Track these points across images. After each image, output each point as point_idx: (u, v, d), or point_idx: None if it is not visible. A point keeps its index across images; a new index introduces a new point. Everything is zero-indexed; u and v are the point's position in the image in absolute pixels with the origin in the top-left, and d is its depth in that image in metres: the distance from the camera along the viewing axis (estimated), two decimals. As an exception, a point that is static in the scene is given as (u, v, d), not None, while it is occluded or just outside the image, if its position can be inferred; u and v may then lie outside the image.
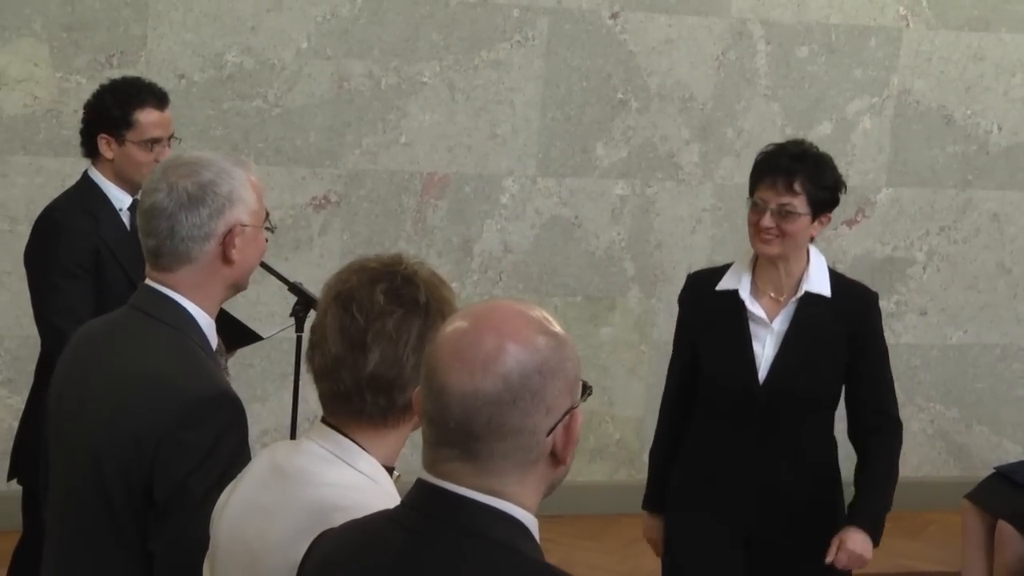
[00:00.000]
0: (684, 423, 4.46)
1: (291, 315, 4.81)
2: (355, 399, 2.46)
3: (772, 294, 4.30)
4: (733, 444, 4.30)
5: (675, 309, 6.98)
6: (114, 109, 4.74)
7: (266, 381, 6.68)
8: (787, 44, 7.16)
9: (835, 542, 4.20)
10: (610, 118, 7.01)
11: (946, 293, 7.55)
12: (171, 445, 2.76)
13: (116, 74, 5.29)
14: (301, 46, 6.59)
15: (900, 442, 4.40)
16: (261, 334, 4.89)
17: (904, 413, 7.44)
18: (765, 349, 4.27)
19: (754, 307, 4.28)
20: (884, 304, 7.43)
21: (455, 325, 2.08)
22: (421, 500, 2.09)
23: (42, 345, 4.76)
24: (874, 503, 4.31)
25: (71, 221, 4.69)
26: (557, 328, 2.08)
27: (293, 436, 5.03)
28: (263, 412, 6.60)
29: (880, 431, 4.34)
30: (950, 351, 7.60)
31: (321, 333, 2.49)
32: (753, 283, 4.32)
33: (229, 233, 2.92)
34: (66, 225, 4.69)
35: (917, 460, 7.50)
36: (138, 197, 4.80)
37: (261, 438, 6.41)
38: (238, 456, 2.81)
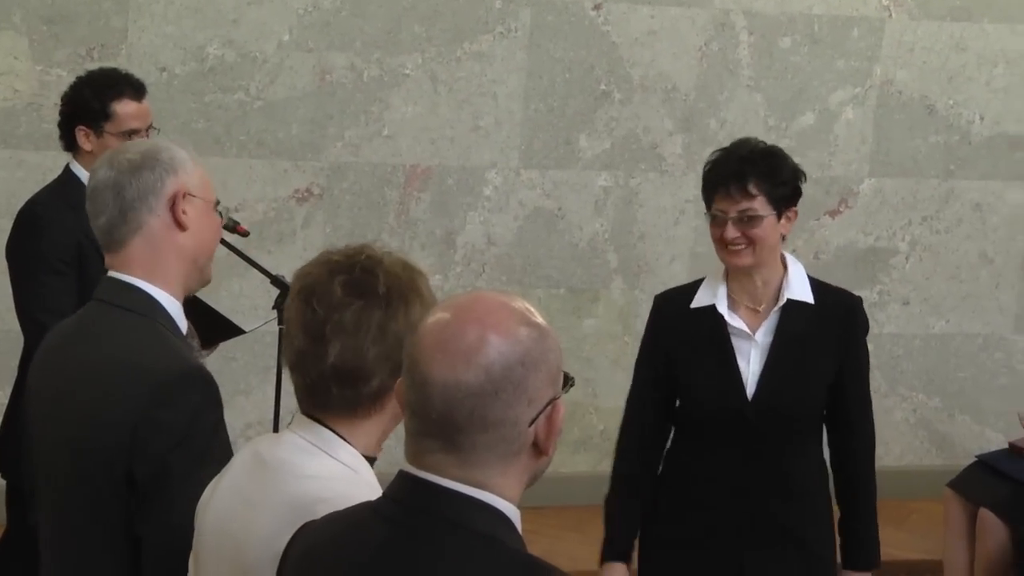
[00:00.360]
0: (652, 465, 4.17)
1: (274, 308, 4.80)
2: (321, 391, 2.47)
3: (749, 305, 4.05)
4: (719, 468, 4.03)
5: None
6: (92, 101, 4.73)
7: (249, 375, 6.67)
8: (770, 35, 7.16)
9: None
10: (593, 109, 7.01)
11: (928, 283, 7.56)
12: (147, 426, 2.75)
13: (97, 67, 5.27)
14: (283, 38, 6.58)
15: (874, 453, 4.21)
16: (243, 328, 4.88)
17: (887, 403, 7.54)
18: (751, 364, 4.02)
19: (734, 320, 4.03)
20: (867, 294, 7.47)
21: (437, 317, 2.08)
22: (404, 491, 2.09)
23: (25, 341, 4.74)
24: (866, 534, 4.12)
25: (53, 215, 4.68)
26: (539, 319, 2.09)
27: (276, 429, 5.03)
28: (247, 405, 6.60)
29: (857, 449, 4.14)
30: (932, 341, 7.62)
31: (288, 327, 2.52)
32: (728, 296, 4.06)
33: (177, 196, 2.92)
34: (48, 220, 4.68)
35: (900, 449, 7.52)
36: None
37: (245, 431, 6.40)
38: (216, 433, 2.81)
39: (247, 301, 6.28)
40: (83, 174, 4.76)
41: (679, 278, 7.16)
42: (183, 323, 2.99)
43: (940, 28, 7.37)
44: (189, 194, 2.94)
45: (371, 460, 2.53)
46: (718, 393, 4.01)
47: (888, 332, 7.51)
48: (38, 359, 3.07)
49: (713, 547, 4.04)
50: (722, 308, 4.03)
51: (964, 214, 7.56)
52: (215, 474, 2.64)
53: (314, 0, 6.59)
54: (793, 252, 7.26)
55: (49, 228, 4.65)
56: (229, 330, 4.79)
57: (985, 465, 5.93)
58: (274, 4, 6.54)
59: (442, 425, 2.03)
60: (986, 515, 5.68)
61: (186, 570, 2.65)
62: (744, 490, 4.01)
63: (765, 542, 4.04)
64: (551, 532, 6.39)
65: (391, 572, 2.05)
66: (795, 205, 4.03)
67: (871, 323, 7.38)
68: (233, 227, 4.63)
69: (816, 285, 4.09)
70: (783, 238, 4.04)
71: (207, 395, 2.83)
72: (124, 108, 4.75)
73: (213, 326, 4.63)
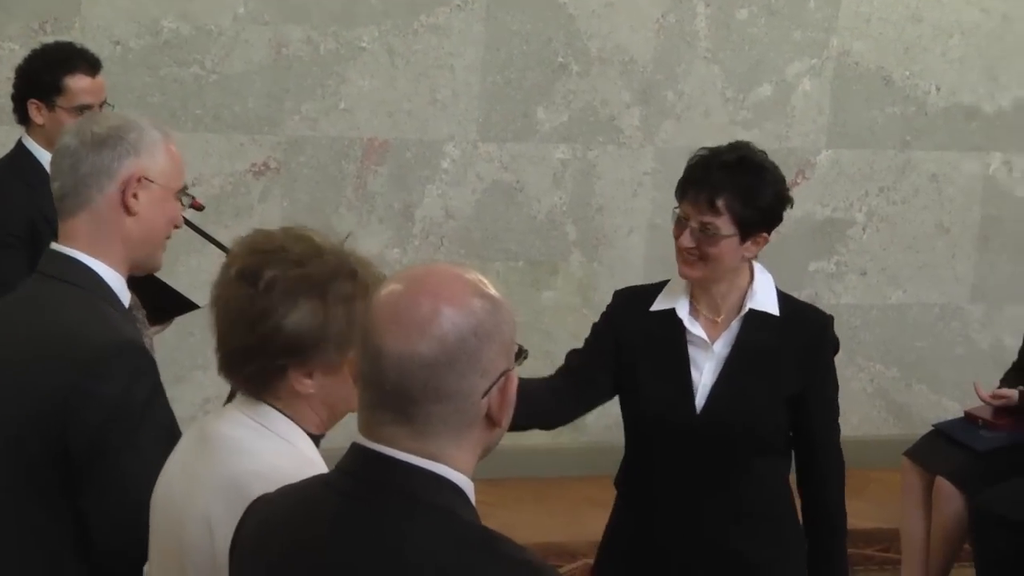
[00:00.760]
0: (552, 390, 3.77)
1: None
2: (221, 365, 2.53)
3: (707, 315, 3.75)
4: (669, 487, 3.75)
5: (617, 271, 7.05)
6: (44, 74, 4.71)
7: (207, 349, 6.57)
8: (727, 6, 7.16)
9: None
10: (551, 82, 7.00)
11: (885, 253, 7.59)
12: (79, 398, 2.75)
13: (50, 40, 5.23)
14: (238, 11, 6.54)
15: (843, 505, 3.86)
16: (196, 303, 4.87)
17: (845, 373, 7.49)
18: (703, 375, 3.71)
19: (694, 327, 3.73)
20: (824, 265, 7.52)
21: (391, 288, 2.08)
22: (356, 464, 2.09)
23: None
24: (833, 572, 3.85)
25: (4, 190, 4.65)
26: (492, 291, 2.09)
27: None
28: (204, 380, 6.57)
29: (826, 477, 3.82)
30: (890, 311, 7.65)
31: None
32: (691, 302, 3.77)
33: (131, 180, 2.91)
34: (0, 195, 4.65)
35: (857, 419, 7.55)
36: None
37: (204, 406, 6.38)
38: (153, 405, 2.81)
39: (205, 276, 6.21)
40: (36, 149, 4.73)
41: (637, 250, 7.18)
42: (126, 297, 2.99)
43: (896, -1, 7.40)
44: (146, 179, 2.93)
45: (317, 439, 2.54)
46: (664, 403, 3.73)
47: (845, 303, 7.53)
48: None
49: (662, 573, 3.79)
50: (682, 313, 3.75)
51: (921, 185, 7.59)
52: (157, 445, 2.64)
53: (270, -27, 6.56)
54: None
55: (0, 203, 4.63)
56: (183, 305, 4.77)
57: (942, 434, 5.96)
58: (229, -23, 6.51)
59: (396, 396, 2.03)
60: (942, 484, 5.71)
61: (138, 544, 2.65)
62: (696, 513, 3.74)
63: (718, 569, 3.76)
64: (512, 504, 6.40)
65: (346, 545, 2.05)
66: (768, 231, 3.69)
67: (828, 293, 7.48)
68: (189, 203, 4.60)
69: (785, 299, 3.80)
70: (752, 259, 3.75)
71: (140, 366, 2.82)
72: (77, 83, 4.73)
73: (167, 301, 4.62)
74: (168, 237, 3.06)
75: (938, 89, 7.53)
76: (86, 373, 2.76)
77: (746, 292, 3.74)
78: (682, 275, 3.71)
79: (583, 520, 5.85)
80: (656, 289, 3.84)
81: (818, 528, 3.83)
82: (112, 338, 2.82)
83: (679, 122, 7.12)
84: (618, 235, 7.15)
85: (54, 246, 2.96)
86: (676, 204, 3.70)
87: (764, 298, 3.75)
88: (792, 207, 3.75)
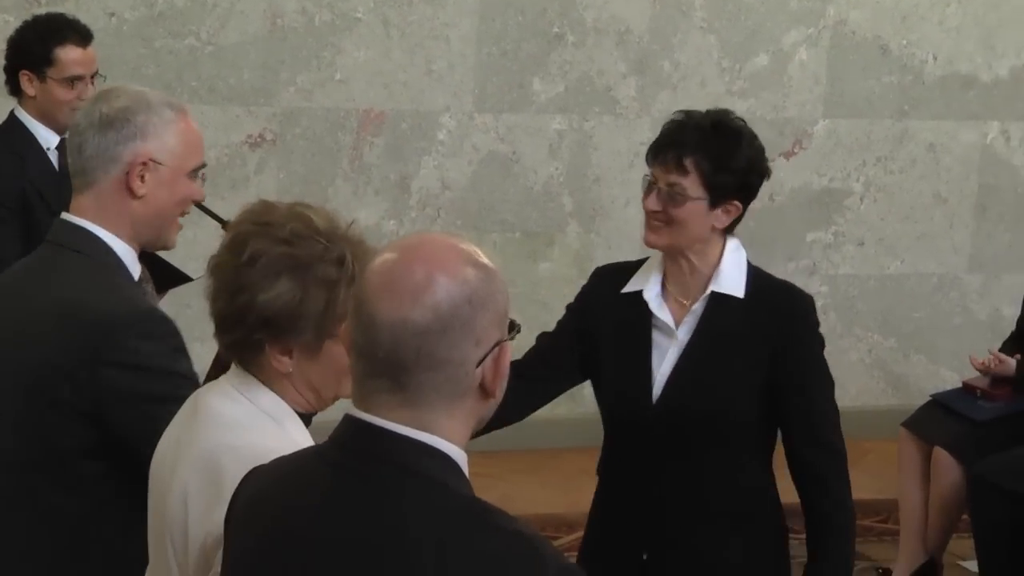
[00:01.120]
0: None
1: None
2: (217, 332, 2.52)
3: (678, 297, 3.53)
4: (632, 482, 3.56)
5: (614, 242, 7.03)
6: (35, 45, 4.69)
7: (203, 322, 6.56)
8: (723, -24, 7.14)
9: None
10: (546, 53, 6.97)
11: (883, 223, 7.58)
12: (100, 367, 2.75)
13: (44, 12, 5.21)
14: (233, -17, 6.52)
15: (846, 481, 3.54)
16: (190, 275, 4.86)
17: (842, 344, 7.57)
18: (664, 362, 3.49)
19: (660, 311, 3.51)
20: (821, 235, 7.50)
21: (384, 257, 2.07)
22: (348, 435, 2.08)
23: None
24: (831, 571, 3.53)
25: None
26: (486, 260, 2.08)
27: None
28: (202, 352, 6.49)
29: (820, 477, 3.52)
30: (887, 281, 7.64)
31: None
32: (663, 284, 3.54)
33: (135, 164, 2.88)
34: None
35: (855, 390, 7.54)
36: (66, 136, 4.79)
37: (200, 377, 6.37)
38: (176, 368, 2.83)
39: (200, 248, 6.17)
40: (28, 120, 4.71)
41: (634, 221, 7.14)
42: (136, 269, 2.98)
43: (893, -32, 7.37)
44: (153, 161, 2.91)
45: (307, 417, 2.53)
46: (623, 391, 3.54)
47: (843, 273, 7.53)
48: None
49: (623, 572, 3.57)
50: (649, 296, 3.52)
51: (918, 154, 7.57)
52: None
53: (264, -56, 6.53)
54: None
55: None
56: (177, 277, 4.76)
57: (940, 404, 5.96)
58: (223, -52, 6.48)
59: (389, 365, 2.02)
60: (940, 454, 5.71)
61: None
62: (659, 508, 3.52)
63: (682, 570, 3.55)
64: (509, 476, 6.41)
65: (336, 516, 2.04)
66: (740, 199, 3.46)
67: (826, 264, 7.47)
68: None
69: (758, 280, 3.53)
70: (726, 232, 3.52)
71: (162, 333, 2.83)
72: (68, 54, 4.71)
73: (161, 273, 4.61)
74: (183, 214, 3.04)
75: (935, 58, 7.50)
76: (108, 345, 2.75)
77: (713, 272, 3.49)
78: (647, 243, 3.49)
79: (579, 491, 5.82)
80: (635, 268, 3.62)
81: (814, 529, 3.53)
82: (128, 308, 2.83)
83: (675, 92, 7.09)
84: (615, 206, 7.14)
85: (64, 216, 2.96)
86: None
87: (730, 279, 3.49)
88: (768, 177, 3.54)
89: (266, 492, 2.16)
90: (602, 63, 7.04)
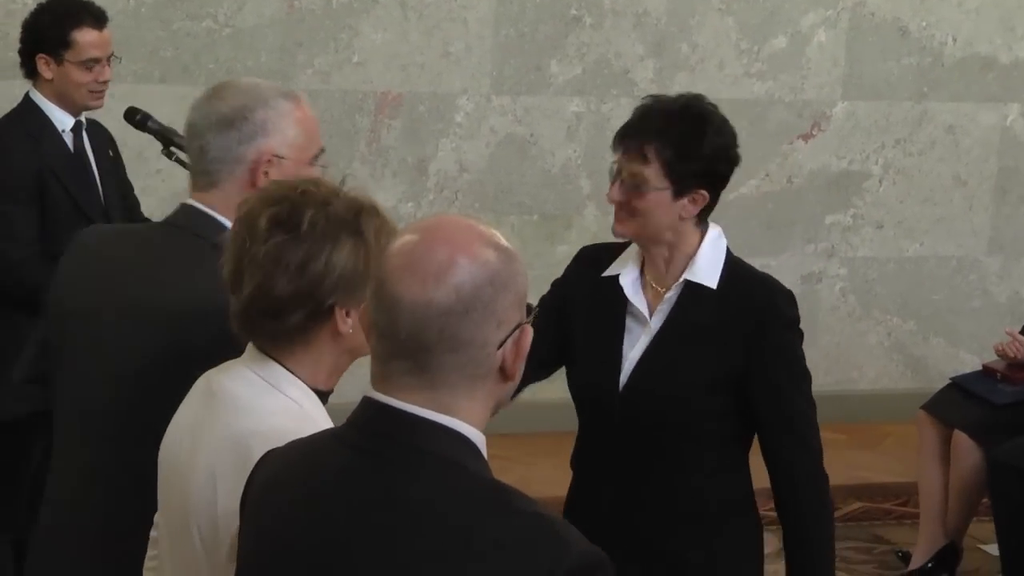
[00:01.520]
0: None
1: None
2: (246, 319, 2.46)
3: (654, 284, 3.39)
4: (598, 473, 3.44)
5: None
6: (51, 29, 4.69)
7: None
8: (741, -43, 7.11)
9: None
10: (564, 35, 6.96)
11: (902, 206, 7.55)
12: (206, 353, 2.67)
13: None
14: (250, -35, 6.51)
15: (821, 481, 3.37)
16: None
17: (861, 326, 7.55)
18: (634, 349, 3.37)
19: (635, 298, 3.38)
20: (840, 218, 7.48)
21: (405, 239, 2.07)
22: (366, 417, 2.08)
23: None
24: None
25: (11, 144, 4.65)
26: (506, 243, 2.08)
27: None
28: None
29: (789, 477, 3.35)
30: (906, 264, 7.62)
31: (224, 252, 2.51)
32: (641, 270, 3.41)
33: (260, 162, 2.84)
34: (6, 148, 4.65)
35: (874, 373, 7.53)
36: (81, 119, 4.79)
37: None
38: None
39: (218, 231, 6.24)
40: (43, 103, 4.71)
41: (652, 204, 7.14)
42: None
43: (913, -51, 7.34)
44: (276, 156, 2.85)
45: (324, 395, 2.51)
46: (591, 376, 3.43)
47: (862, 256, 7.50)
48: (88, 269, 2.95)
49: None
50: (625, 281, 3.39)
51: (937, 136, 7.54)
52: None
53: (281, -74, 6.52)
54: (766, 177, 7.30)
55: (7, 157, 4.62)
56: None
57: (959, 387, 5.95)
58: (241, -70, 6.47)
59: (410, 345, 2.02)
60: (960, 437, 5.69)
61: None
62: (628, 504, 3.38)
63: (649, 570, 3.36)
64: (526, 459, 6.40)
65: (353, 498, 2.04)
66: (707, 188, 3.30)
67: (845, 246, 7.44)
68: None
69: (733, 270, 3.37)
70: (699, 221, 3.36)
71: None
72: (84, 36, 4.70)
73: None
74: None
75: (954, 40, 7.47)
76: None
77: (689, 260, 3.35)
78: (614, 232, 3.37)
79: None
80: (619, 251, 3.48)
81: (787, 534, 3.39)
82: None
83: (693, 74, 7.07)
84: (633, 188, 7.11)
85: (190, 201, 2.90)
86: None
87: (705, 269, 3.35)
88: (737, 164, 3.36)
89: (283, 474, 2.16)
90: (620, 45, 7.02)
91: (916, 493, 5.97)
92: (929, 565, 5.74)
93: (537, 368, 3.29)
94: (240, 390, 2.47)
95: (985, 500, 5.69)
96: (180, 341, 2.71)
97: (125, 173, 5.04)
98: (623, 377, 3.36)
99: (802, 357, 3.40)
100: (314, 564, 2.06)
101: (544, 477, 6.25)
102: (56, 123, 4.72)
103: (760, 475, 3.44)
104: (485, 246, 2.05)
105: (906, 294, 7.63)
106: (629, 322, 3.39)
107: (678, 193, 3.27)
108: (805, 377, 3.39)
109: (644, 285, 3.40)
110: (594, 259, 3.50)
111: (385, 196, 6.65)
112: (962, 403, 5.83)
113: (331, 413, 2.50)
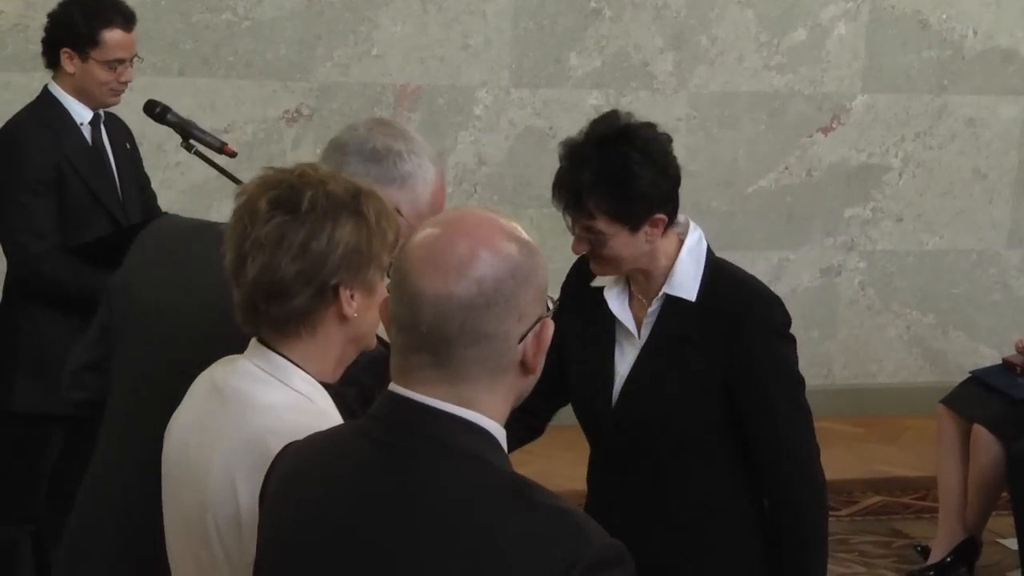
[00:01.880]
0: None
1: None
2: (250, 308, 2.45)
3: (640, 296, 3.31)
4: (599, 487, 3.41)
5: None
6: (81, 26, 4.67)
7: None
8: (761, -50, 7.10)
9: None
10: (583, 27, 6.95)
11: (922, 199, 7.53)
12: None
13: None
14: (269, -43, 6.51)
15: (815, 494, 3.28)
16: None
17: (880, 320, 7.53)
18: (624, 364, 3.31)
19: (622, 313, 3.31)
20: (860, 211, 7.46)
21: (426, 231, 2.07)
22: (387, 410, 2.08)
23: (8, 263, 4.73)
24: None
25: (30, 136, 4.64)
26: (527, 236, 2.08)
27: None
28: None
29: (777, 489, 3.29)
30: (926, 257, 7.60)
31: (224, 242, 2.49)
32: (629, 284, 3.34)
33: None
34: (25, 141, 4.64)
35: (893, 366, 7.52)
36: (99, 112, 4.79)
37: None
38: None
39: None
40: (62, 95, 4.70)
41: (671, 197, 7.14)
42: None
43: (933, -59, 7.32)
44: (398, 211, 2.73)
45: (329, 387, 2.51)
46: (586, 395, 3.37)
47: (881, 249, 7.49)
48: (160, 257, 2.94)
49: None
50: (610, 295, 3.33)
51: (957, 129, 7.52)
52: None
53: (300, -82, 6.52)
54: (785, 170, 7.29)
55: (27, 149, 4.62)
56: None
57: (978, 381, 5.93)
58: (260, -77, 6.47)
59: (432, 339, 2.02)
60: (979, 431, 5.68)
61: None
62: (634, 532, 3.10)
63: None
64: (546, 452, 6.37)
65: (374, 491, 2.04)
66: (663, 211, 3.21)
67: (864, 239, 7.42)
68: (220, 148, 4.62)
69: (714, 278, 3.28)
70: (669, 228, 3.27)
71: None
72: (113, 36, 4.69)
73: None
74: None
75: (975, 32, 7.45)
76: None
77: (669, 273, 3.27)
78: (595, 273, 3.30)
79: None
80: None
81: (778, 552, 3.31)
82: None
83: (713, 67, 7.06)
84: (652, 181, 7.11)
85: None
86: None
87: (684, 282, 3.26)
88: (678, 179, 3.27)
89: (303, 467, 2.16)
90: (639, 38, 7.02)
91: (935, 487, 5.96)
92: (948, 559, 5.73)
93: (556, 395, 3.39)
94: (248, 386, 2.45)
95: (1004, 494, 5.68)
96: None
97: (143, 166, 5.04)
98: (615, 393, 3.30)
99: (790, 362, 3.30)
100: (333, 557, 2.05)
101: (564, 470, 6.25)
102: (75, 116, 4.71)
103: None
104: (507, 239, 2.04)
105: (925, 288, 7.61)
106: (620, 336, 3.33)
107: (635, 228, 3.19)
108: (794, 382, 3.30)
109: (631, 297, 3.33)
110: (585, 269, 3.38)
111: (404, 189, 6.65)
112: (982, 397, 5.82)
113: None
